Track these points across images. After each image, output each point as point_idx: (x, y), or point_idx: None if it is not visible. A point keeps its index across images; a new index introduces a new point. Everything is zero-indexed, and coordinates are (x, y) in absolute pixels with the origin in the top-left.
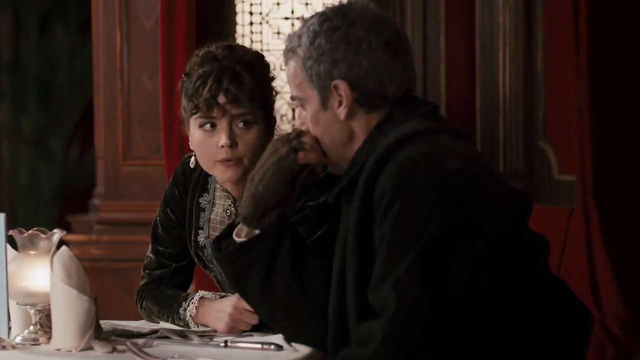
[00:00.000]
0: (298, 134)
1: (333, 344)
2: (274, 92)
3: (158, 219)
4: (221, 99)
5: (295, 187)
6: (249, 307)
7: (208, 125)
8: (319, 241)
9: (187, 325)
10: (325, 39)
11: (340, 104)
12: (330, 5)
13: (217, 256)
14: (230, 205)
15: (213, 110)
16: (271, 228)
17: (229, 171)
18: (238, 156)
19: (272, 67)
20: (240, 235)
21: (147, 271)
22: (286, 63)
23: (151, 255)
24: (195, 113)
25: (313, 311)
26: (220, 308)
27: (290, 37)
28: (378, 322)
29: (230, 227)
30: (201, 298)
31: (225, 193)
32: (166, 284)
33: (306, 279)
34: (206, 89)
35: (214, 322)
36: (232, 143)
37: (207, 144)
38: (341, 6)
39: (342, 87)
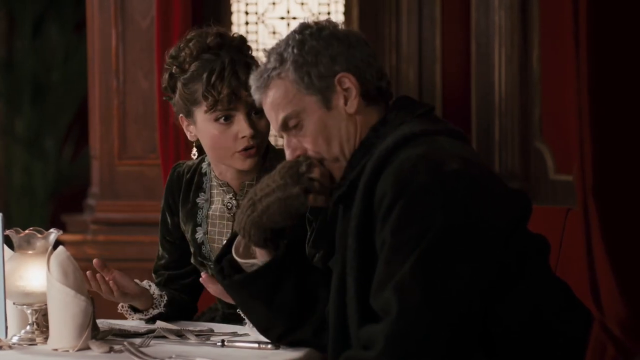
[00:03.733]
0: (308, 166)
1: (334, 347)
2: None
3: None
4: (242, 92)
5: (299, 216)
6: None
7: (223, 118)
8: None
9: None
10: (316, 39)
11: (346, 99)
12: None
13: (223, 283)
14: (231, 198)
15: (234, 104)
16: (276, 258)
17: (248, 160)
18: (257, 144)
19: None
20: (239, 249)
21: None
22: (265, 93)
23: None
24: (213, 109)
25: (316, 327)
26: None
27: (260, 70)
28: (380, 326)
29: (230, 243)
30: None
31: (224, 188)
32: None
33: (309, 295)
34: (225, 84)
35: None
36: (255, 132)
37: (225, 136)
38: (310, 21)
39: (347, 79)
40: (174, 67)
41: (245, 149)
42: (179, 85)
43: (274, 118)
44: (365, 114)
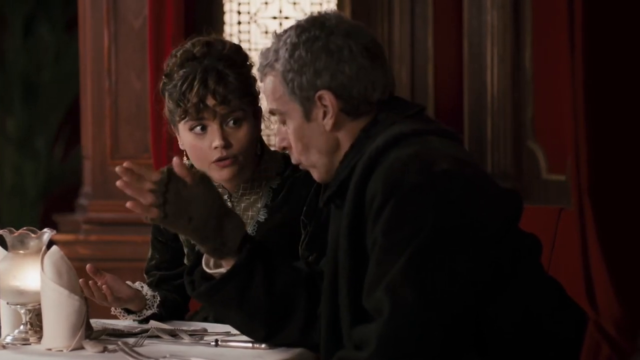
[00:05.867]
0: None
1: (326, 347)
2: (256, 82)
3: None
4: (210, 101)
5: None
6: None
7: (198, 128)
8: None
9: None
10: (305, 49)
11: (325, 114)
12: (305, 17)
13: (192, 295)
14: (226, 200)
15: (203, 113)
16: (238, 263)
17: (225, 171)
18: (232, 155)
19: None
20: (209, 263)
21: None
22: (262, 79)
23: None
24: (184, 118)
25: (301, 325)
26: None
27: (265, 53)
28: (373, 326)
29: (199, 254)
30: None
31: (219, 189)
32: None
33: (284, 296)
34: (193, 93)
35: None
36: (226, 143)
37: (200, 146)
38: (317, 16)
39: (327, 97)
40: (164, 76)
41: (220, 160)
42: (166, 94)
43: (268, 101)
44: (348, 129)
